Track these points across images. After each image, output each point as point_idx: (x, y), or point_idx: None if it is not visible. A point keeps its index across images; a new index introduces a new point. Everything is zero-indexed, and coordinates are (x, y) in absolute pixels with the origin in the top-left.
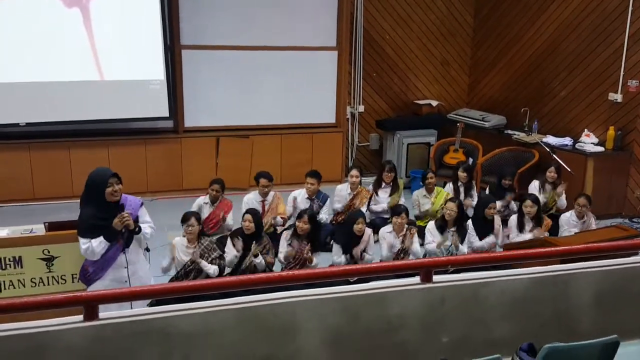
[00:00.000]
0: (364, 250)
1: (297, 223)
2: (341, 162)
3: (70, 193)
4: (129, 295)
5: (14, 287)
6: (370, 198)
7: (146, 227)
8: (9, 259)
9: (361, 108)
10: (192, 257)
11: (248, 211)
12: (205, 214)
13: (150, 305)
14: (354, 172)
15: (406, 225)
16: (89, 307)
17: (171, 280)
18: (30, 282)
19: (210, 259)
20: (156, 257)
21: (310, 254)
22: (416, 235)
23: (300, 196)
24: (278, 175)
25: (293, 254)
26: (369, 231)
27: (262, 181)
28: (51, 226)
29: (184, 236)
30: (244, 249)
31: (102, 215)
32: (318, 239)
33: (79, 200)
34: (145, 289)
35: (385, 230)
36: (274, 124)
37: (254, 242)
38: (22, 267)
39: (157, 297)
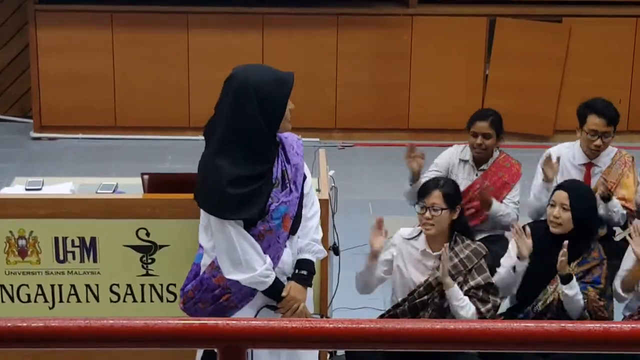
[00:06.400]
0: None
1: None
2: None
3: (185, 119)
4: (316, 337)
5: (79, 299)
6: None
7: (316, 243)
8: (74, 243)
9: None
10: (434, 274)
11: (564, 185)
12: (461, 184)
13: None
14: None
15: None
16: (232, 351)
17: (383, 316)
18: (110, 292)
19: (470, 287)
20: (351, 266)
21: None
22: None
23: None
24: (628, 115)
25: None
26: None
27: (593, 120)
28: (154, 181)
29: (417, 228)
30: (542, 262)
31: (256, 169)
32: None
33: (202, 136)
34: (346, 326)
35: None
36: None
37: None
38: (96, 260)
39: (361, 346)
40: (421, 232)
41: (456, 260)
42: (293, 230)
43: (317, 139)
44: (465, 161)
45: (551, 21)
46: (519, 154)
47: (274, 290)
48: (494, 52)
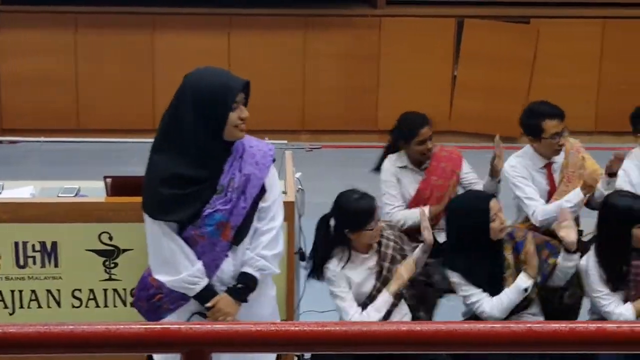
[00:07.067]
0: None
1: None
2: None
3: (149, 121)
4: (281, 340)
5: (40, 305)
6: None
7: (261, 259)
8: (34, 248)
9: None
10: (385, 267)
11: (483, 196)
12: (409, 188)
13: None
14: None
15: None
16: (196, 356)
17: None
18: (71, 297)
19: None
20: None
21: None
22: None
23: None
24: (596, 115)
25: None
26: None
27: (550, 124)
28: (117, 185)
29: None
30: (489, 270)
31: (195, 172)
32: None
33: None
34: (312, 329)
35: None
36: None
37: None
38: (57, 264)
39: (327, 348)
40: (349, 254)
41: (392, 244)
42: (237, 240)
43: (285, 141)
44: (404, 167)
45: (519, 22)
46: (487, 155)
47: (203, 298)
48: (462, 53)
